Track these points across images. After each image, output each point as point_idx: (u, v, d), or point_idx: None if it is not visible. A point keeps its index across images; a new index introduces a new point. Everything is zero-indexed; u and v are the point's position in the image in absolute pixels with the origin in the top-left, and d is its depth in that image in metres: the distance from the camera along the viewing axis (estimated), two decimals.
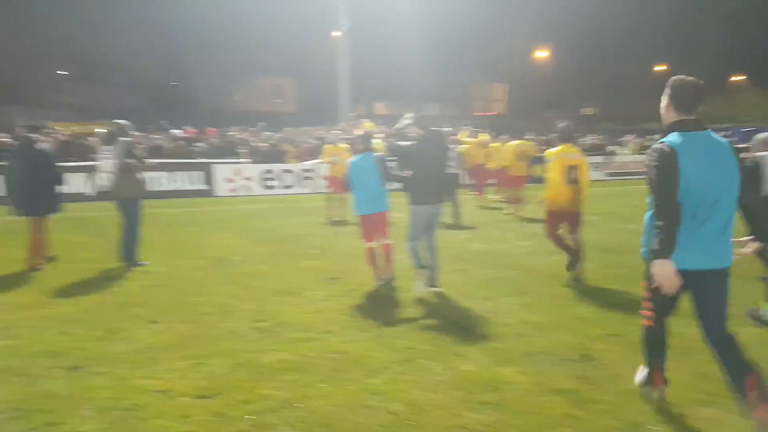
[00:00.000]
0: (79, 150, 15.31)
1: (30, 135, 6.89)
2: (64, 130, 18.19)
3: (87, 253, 7.82)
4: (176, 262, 7.20)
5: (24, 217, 6.90)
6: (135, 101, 35.63)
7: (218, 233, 9.62)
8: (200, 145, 17.81)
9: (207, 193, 15.96)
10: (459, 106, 45.62)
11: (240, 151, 17.68)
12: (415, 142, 5.68)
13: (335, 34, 26.09)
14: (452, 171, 6.32)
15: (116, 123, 7.27)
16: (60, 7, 31.94)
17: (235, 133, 19.93)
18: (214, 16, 33.37)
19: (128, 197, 6.96)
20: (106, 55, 36.06)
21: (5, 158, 7.60)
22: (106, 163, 6.91)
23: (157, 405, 3.35)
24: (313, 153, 18.14)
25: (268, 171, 16.94)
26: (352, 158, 6.20)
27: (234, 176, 16.56)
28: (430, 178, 5.55)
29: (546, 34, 42.25)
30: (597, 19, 39.46)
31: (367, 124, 14.97)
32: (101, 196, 7.44)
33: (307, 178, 17.27)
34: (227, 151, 17.85)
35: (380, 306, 5.38)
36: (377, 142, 9.67)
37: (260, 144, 18.11)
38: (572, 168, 6.00)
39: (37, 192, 6.74)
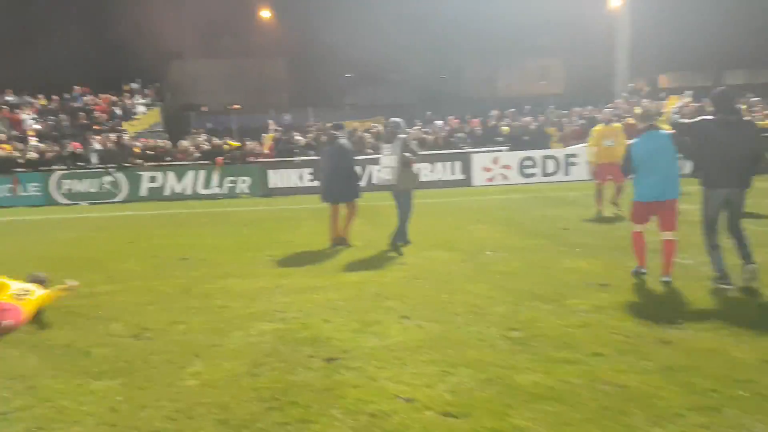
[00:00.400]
0: (357, 145, 16.94)
1: (334, 132, 8.01)
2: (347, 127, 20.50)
3: (355, 240, 8.36)
4: (430, 254, 7.13)
5: (328, 204, 7.88)
6: (407, 97, 38.77)
7: (473, 225, 9.36)
8: (460, 135, 17.97)
9: (464, 183, 16.02)
10: None
11: (498, 138, 17.27)
12: (704, 119, 5.28)
13: (614, 4, 23.54)
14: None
15: (393, 121, 7.79)
16: (344, 16, 36.27)
17: (493, 121, 19.57)
18: (481, 4, 33.68)
19: (405, 189, 7.54)
20: (384, 57, 40.00)
21: (318, 154, 8.87)
22: (388, 159, 7.46)
23: (402, 415, 3.11)
24: (580, 136, 16.76)
25: (528, 158, 16.15)
26: (635, 139, 5.58)
27: (492, 165, 16.24)
28: (725, 159, 5.03)
29: None
30: None
31: (672, 99, 12.45)
32: (376, 187, 8.23)
33: (571, 164, 15.96)
34: (488, 140, 17.69)
35: (665, 321, 4.31)
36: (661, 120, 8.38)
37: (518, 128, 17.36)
38: None
39: (340, 182, 7.69)
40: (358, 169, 8.01)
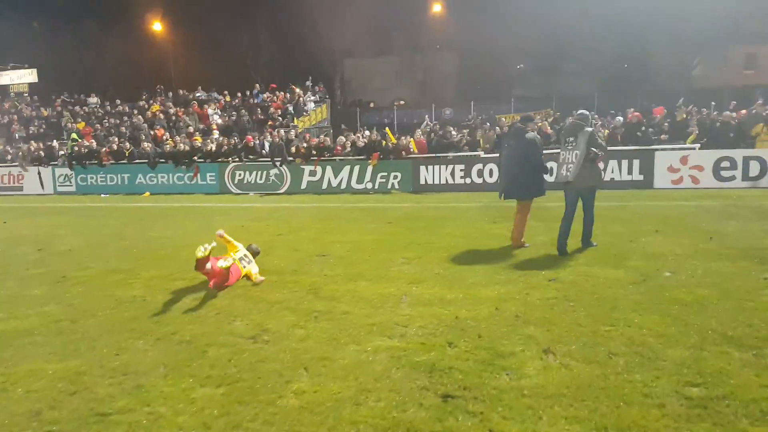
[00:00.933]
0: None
1: (521, 125, 7.40)
2: (506, 120, 19.43)
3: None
4: (591, 271, 6.06)
5: (513, 200, 7.42)
6: (585, 88, 36.13)
7: (650, 236, 7.89)
8: (646, 130, 15.73)
9: (644, 185, 14.01)
10: None
11: (690, 132, 14.82)
12: None
13: None
14: None
15: (581, 113, 7.20)
16: (517, 5, 34.73)
17: (685, 114, 16.89)
18: None
19: (589, 187, 7.05)
20: (558, 45, 37.78)
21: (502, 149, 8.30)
22: (570, 153, 6.96)
23: None
24: None
25: (725, 158, 13.58)
26: None
27: (679, 164, 13.97)
28: None
29: None
30: None
31: None
32: (556, 185, 7.45)
33: None
34: (676, 136, 15.31)
35: None
36: None
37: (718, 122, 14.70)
38: None
39: (523, 177, 7.17)
40: (547, 165, 7.34)
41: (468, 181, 15.12)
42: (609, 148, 14.06)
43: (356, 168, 15.94)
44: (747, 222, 8.75)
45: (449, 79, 43.42)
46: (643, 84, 34.20)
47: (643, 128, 15.36)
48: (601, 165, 6.97)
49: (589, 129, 6.90)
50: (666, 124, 15.62)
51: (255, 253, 6.38)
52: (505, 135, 10.71)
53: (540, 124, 15.60)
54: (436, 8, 37.97)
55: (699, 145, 14.17)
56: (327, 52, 41.74)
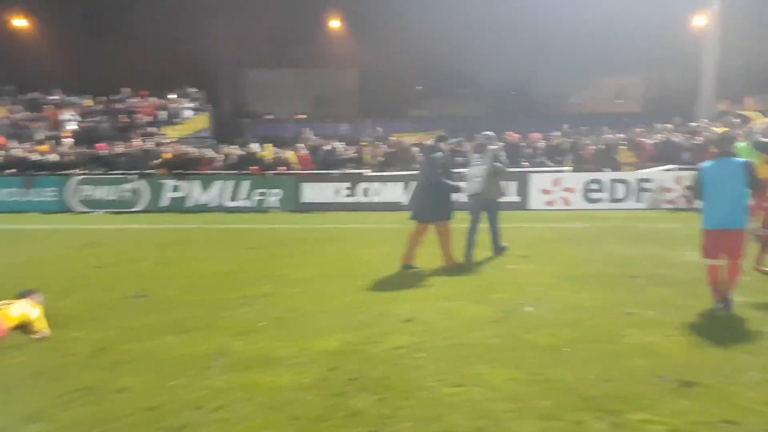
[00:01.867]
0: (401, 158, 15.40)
1: (433, 144, 7.46)
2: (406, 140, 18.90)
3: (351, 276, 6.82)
4: (452, 307, 5.45)
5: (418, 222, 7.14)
6: (477, 110, 37.43)
7: (518, 263, 7.54)
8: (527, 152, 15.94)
9: (519, 206, 14.10)
10: None
11: (561, 159, 15.25)
12: None
13: (698, 22, 21.57)
14: None
15: (485, 134, 8.01)
16: (416, 29, 35.26)
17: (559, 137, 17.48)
18: (560, 21, 32.74)
19: (494, 198, 7.79)
20: (454, 70, 38.90)
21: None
22: (477, 169, 7.63)
23: None
24: (656, 158, 14.59)
25: (594, 180, 14.04)
26: (707, 162, 5.46)
27: (552, 186, 14.24)
28: None
29: None
30: None
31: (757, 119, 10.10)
32: (469, 200, 7.92)
33: (644, 189, 13.76)
34: (551, 158, 15.72)
35: None
36: (741, 146, 7.65)
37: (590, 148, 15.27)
38: None
39: (430, 199, 7.01)
40: (454, 186, 7.17)
41: (354, 199, 14.41)
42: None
43: (230, 184, 14.65)
44: (611, 245, 8.74)
45: (349, 94, 43.03)
46: (528, 109, 36.01)
47: (522, 150, 15.61)
48: (503, 179, 7.87)
49: (493, 147, 7.75)
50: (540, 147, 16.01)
51: (31, 297, 4.70)
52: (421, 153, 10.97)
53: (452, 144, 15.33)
54: (335, 24, 37.47)
55: (572, 167, 14.57)
56: (216, 59, 39.67)
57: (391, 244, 9.09)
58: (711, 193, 5.26)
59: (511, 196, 14.26)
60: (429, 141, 17.45)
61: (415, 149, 14.89)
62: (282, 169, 14.72)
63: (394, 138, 17.19)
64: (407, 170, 13.98)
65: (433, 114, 37.67)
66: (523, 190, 14.27)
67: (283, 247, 9.11)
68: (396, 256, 8.05)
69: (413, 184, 13.35)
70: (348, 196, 14.30)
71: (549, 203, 14.18)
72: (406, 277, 6.76)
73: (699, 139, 14.30)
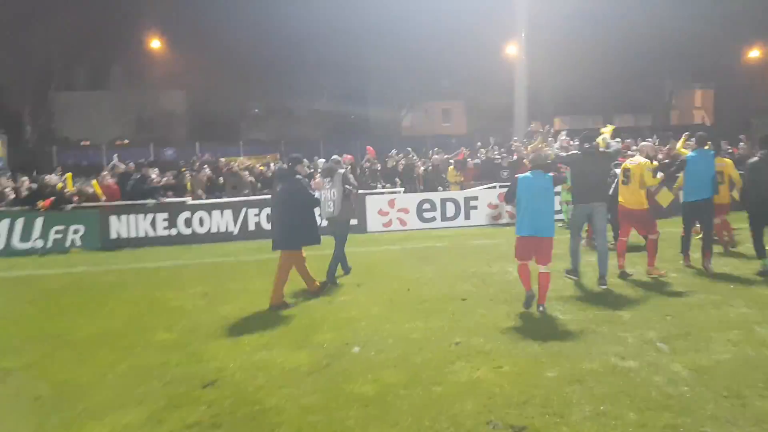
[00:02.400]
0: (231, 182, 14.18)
1: (288, 166, 6.92)
2: (240, 163, 17.60)
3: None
4: (268, 358, 4.68)
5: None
6: (315, 133, 37.19)
7: (351, 293, 7.01)
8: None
9: (360, 229, 13.74)
10: (656, 117, 39.71)
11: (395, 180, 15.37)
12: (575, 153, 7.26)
13: (510, 51, 23.75)
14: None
15: (334, 158, 8.25)
16: (249, 53, 34.14)
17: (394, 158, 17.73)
18: (387, 48, 34.23)
19: (345, 220, 7.92)
20: (290, 92, 38.36)
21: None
22: (330, 192, 7.68)
23: None
24: (480, 177, 15.36)
25: (426, 200, 14.27)
26: (521, 175, 6.02)
27: (388, 208, 14.17)
28: (589, 183, 6.64)
29: (762, 28, 33.99)
30: None
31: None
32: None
33: (472, 207, 14.31)
34: (388, 178, 15.77)
35: None
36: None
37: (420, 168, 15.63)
38: None
39: (294, 224, 6.54)
40: (316, 211, 6.92)
41: (174, 232, 12.80)
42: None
43: (19, 221, 12.20)
44: (446, 264, 8.64)
45: (176, 117, 39.99)
46: (363, 132, 36.78)
47: (358, 170, 15.43)
48: (353, 201, 8.04)
49: (342, 170, 7.90)
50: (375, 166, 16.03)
51: None
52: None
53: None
54: (155, 44, 34.66)
55: (403, 189, 14.68)
56: (16, 81, 34.31)
57: (210, 282, 8.05)
58: (523, 203, 5.76)
59: (352, 220, 13.93)
60: (276, 164, 16.72)
61: (245, 173, 13.86)
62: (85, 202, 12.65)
63: (223, 161, 15.91)
64: (237, 196, 12.90)
65: (270, 137, 36.62)
66: (361, 213, 13.97)
67: (75, 296, 7.53)
68: (213, 296, 7.09)
69: (249, 212, 12.51)
70: (166, 228, 12.68)
71: (386, 225, 14.07)
72: (218, 324, 5.81)
73: (514, 157, 15.39)
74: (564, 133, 16.22)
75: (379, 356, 4.63)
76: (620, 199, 7.29)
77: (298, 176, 6.74)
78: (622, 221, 7.44)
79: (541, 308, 5.70)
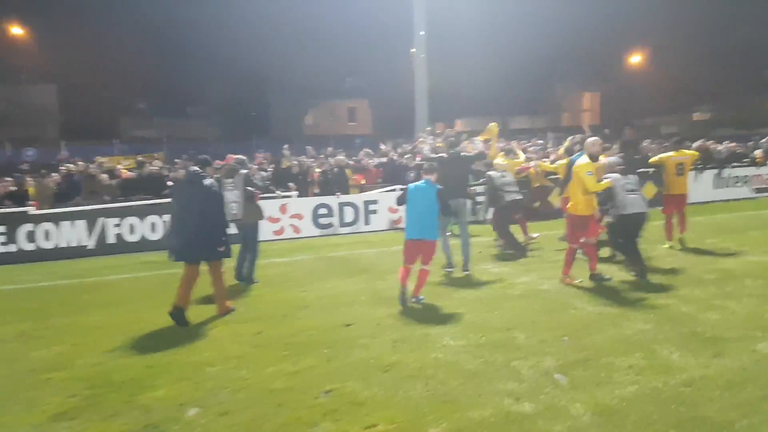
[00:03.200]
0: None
1: (197, 170, 6.06)
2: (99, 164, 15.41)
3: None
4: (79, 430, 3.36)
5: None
6: (209, 132, 34.92)
7: (217, 325, 5.75)
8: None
9: None
10: (547, 118, 41.50)
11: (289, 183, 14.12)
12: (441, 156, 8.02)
13: (413, 51, 23.36)
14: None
15: (238, 157, 8.08)
16: (135, 40, 31.26)
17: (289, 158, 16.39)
18: (290, 46, 32.89)
19: (252, 223, 7.56)
20: (184, 88, 35.70)
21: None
22: (232, 194, 7.27)
23: None
24: (383, 178, 14.48)
25: (323, 205, 13.16)
26: (412, 184, 6.35)
27: (280, 214, 12.89)
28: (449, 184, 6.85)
29: (642, 36, 36.66)
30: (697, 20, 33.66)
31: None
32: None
33: (372, 212, 13.41)
34: (282, 181, 14.40)
35: None
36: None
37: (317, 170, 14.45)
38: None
39: (204, 234, 5.88)
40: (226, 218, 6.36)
41: (13, 248, 10.68)
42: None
43: None
44: (334, 281, 7.59)
45: (45, 114, 35.78)
46: (262, 131, 35.09)
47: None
48: (258, 203, 7.63)
49: (245, 171, 7.62)
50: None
51: None
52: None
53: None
54: (17, 30, 30.64)
55: (297, 193, 13.46)
56: None
57: (35, 314, 6.40)
58: (412, 207, 6.16)
59: (232, 229, 12.47)
60: (184, 167, 14.58)
61: (105, 176, 11.95)
62: None
63: (81, 163, 13.73)
64: (94, 204, 11.03)
65: (157, 135, 33.66)
66: None
67: None
68: (34, 334, 5.56)
69: (108, 222, 10.72)
70: (4, 244, 10.55)
71: (277, 233, 12.77)
72: (17, 380, 4.35)
73: (418, 159, 14.66)
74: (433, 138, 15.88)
75: (218, 422, 3.47)
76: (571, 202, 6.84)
77: (209, 180, 6.03)
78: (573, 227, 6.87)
79: (414, 299, 6.07)
